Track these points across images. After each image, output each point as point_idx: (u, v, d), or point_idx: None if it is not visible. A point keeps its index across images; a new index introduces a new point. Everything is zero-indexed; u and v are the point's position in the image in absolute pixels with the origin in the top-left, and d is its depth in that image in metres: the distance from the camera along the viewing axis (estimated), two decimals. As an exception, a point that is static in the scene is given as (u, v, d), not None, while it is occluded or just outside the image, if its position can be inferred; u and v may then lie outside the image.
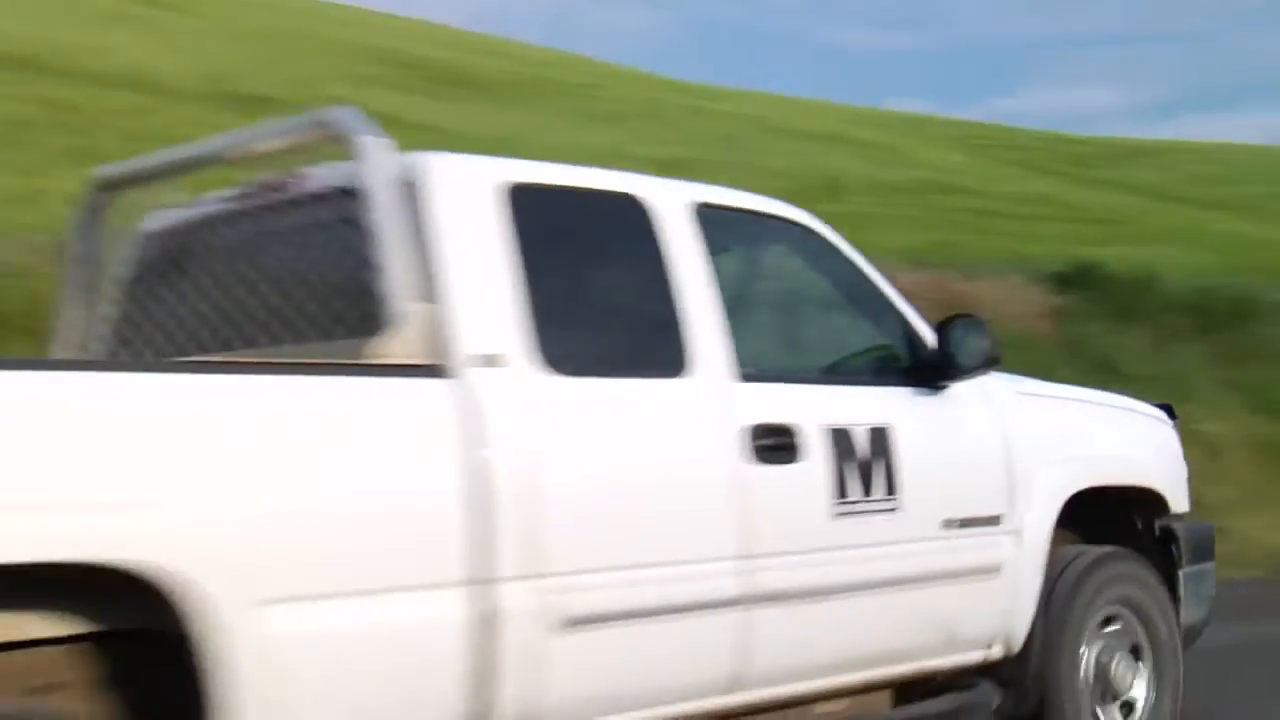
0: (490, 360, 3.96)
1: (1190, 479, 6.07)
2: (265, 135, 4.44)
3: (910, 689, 5.21)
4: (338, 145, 4.14)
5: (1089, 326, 18.23)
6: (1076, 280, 19.47)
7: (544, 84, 48.88)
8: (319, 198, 4.27)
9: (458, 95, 46.44)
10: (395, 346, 3.86)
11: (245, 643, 3.38)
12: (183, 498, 3.36)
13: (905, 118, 63.38)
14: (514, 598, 3.85)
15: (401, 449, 3.76)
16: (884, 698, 5.19)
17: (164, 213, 4.97)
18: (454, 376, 3.90)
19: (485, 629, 3.80)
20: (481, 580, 3.81)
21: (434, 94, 46.00)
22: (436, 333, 3.91)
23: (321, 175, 4.38)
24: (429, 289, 3.95)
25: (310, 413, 3.64)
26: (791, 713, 4.84)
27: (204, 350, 4.41)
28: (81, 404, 3.34)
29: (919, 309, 5.35)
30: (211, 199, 4.78)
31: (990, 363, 5.05)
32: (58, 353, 4.96)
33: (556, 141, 39.60)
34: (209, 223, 4.69)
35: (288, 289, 4.29)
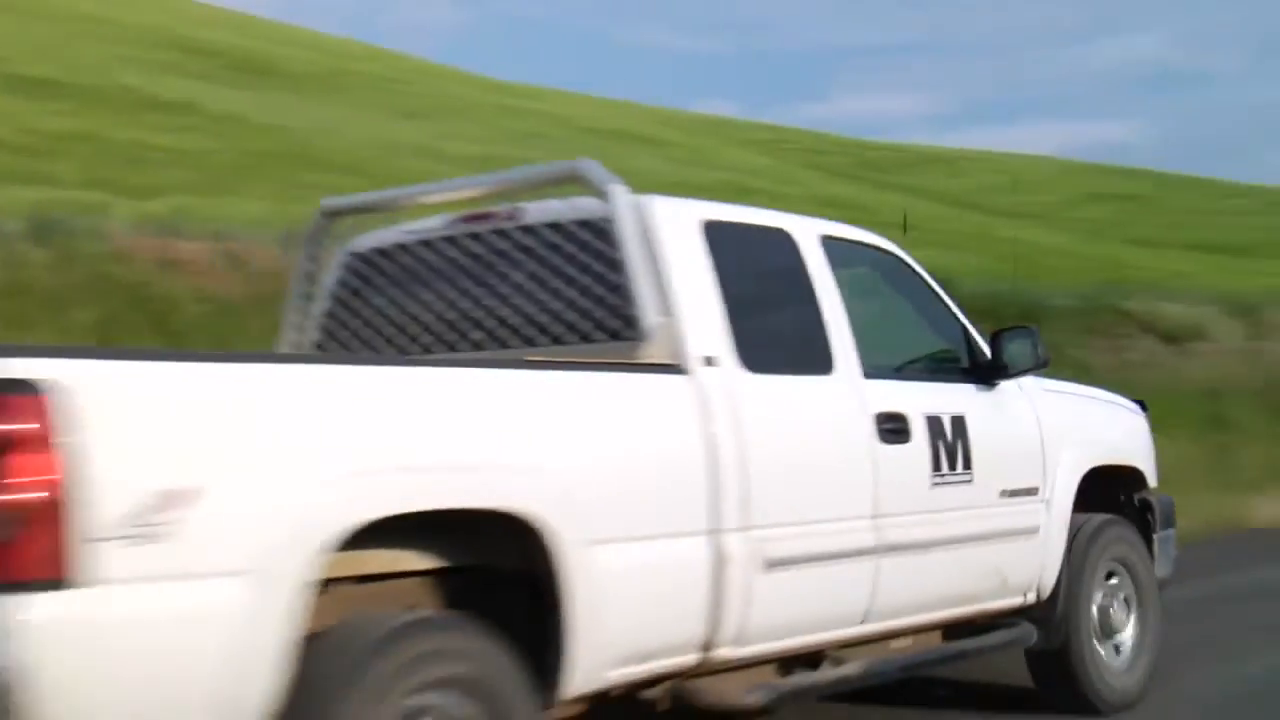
0: (710, 361, 5.29)
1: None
2: (515, 180, 5.71)
3: (955, 630, 6.65)
4: (585, 189, 5.41)
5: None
6: None
7: (350, 77, 49.55)
8: (555, 227, 5.55)
9: (259, 85, 46.86)
10: (652, 350, 5.17)
11: (582, 573, 4.65)
12: (551, 465, 4.63)
13: (712, 120, 65.32)
14: (734, 545, 5.18)
15: (666, 428, 5.08)
16: (935, 637, 6.63)
17: (371, 235, 6.18)
18: (689, 373, 5.22)
19: (718, 568, 5.13)
20: (715, 530, 5.14)
21: (234, 83, 46.35)
22: (674, 340, 5.22)
23: (546, 208, 5.66)
24: (664, 305, 5.26)
25: (616, 400, 4.95)
26: (876, 646, 6.24)
27: (451, 349, 5.66)
28: (485, 392, 4.60)
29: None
30: (431, 223, 6.01)
31: (1039, 365, 6.55)
32: (282, 349, 6.14)
33: (363, 135, 40.32)
34: (427, 244, 5.92)
35: (533, 300, 5.55)
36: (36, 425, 3.57)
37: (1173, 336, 28.49)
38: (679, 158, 48.41)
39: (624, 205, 5.27)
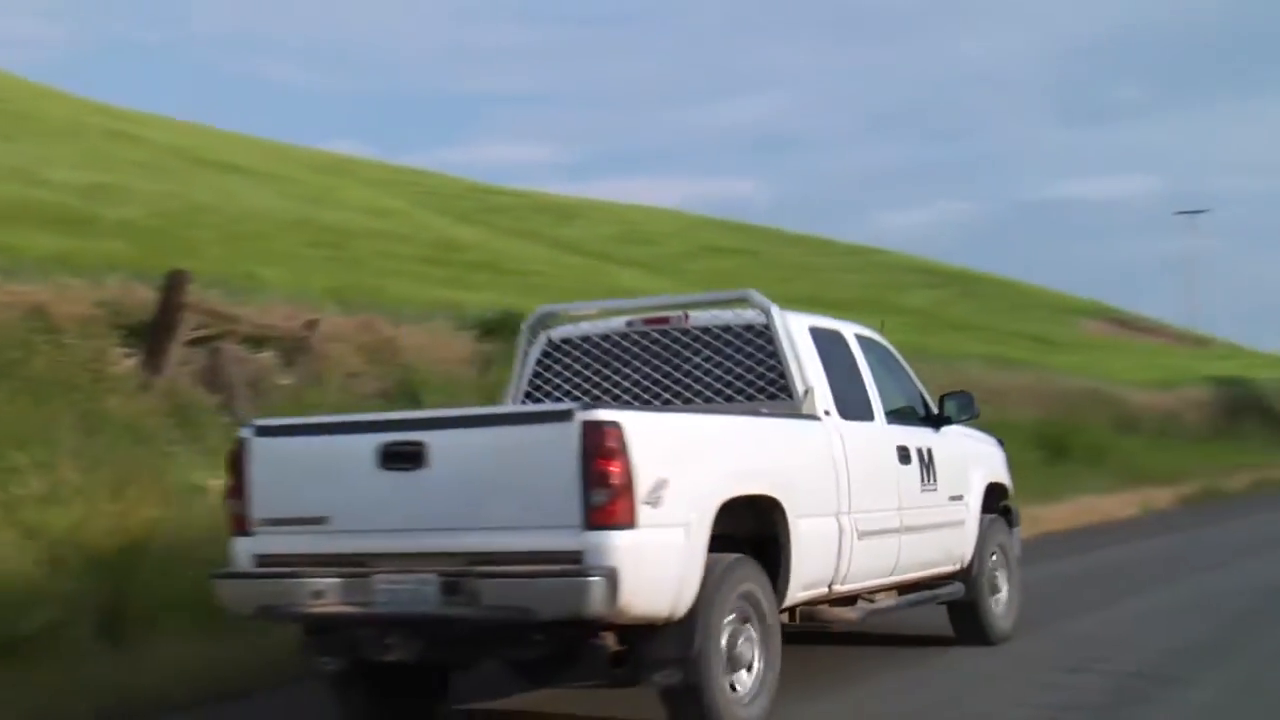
0: (828, 413, 9.62)
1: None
2: (696, 300, 9.92)
3: (907, 590, 11.06)
4: (751, 308, 9.62)
5: (509, 373, 21.64)
6: (500, 329, 21.62)
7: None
8: (728, 328, 9.74)
9: None
10: (802, 407, 9.44)
11: (797, 534, 8.88)
12: (784, 471, 8.86)
13: (339, 159, 67.41)
14: (846, 522, 9.54)
15: (817, 451, 9.39)
16: (893, 594, 11.03)
17: (566, 328, 10.24)
18: (820, 420, 9.50)
19: (840, 536, 9.43)
20: (838, 513, 9.44)
21: None
22: (812, 400, 9.49)
23: (715, 316, 9.84)
24: (804, 379, 9.52)
25: (798, 435, 9.22)
26: (866, 598, 10.59)
27: (647, 405, 9.76)
28: (759, 428, 8.81)
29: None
30: (615, 321, 10.11)
31: (972, 418, 11.09)
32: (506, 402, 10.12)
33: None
34: (620, 334, 10.01)
35: (708, 374, 9.74)
36: (619, 444, 7.59)
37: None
38: (301, 194, 49.14)
39: (778, 317, 9.50)
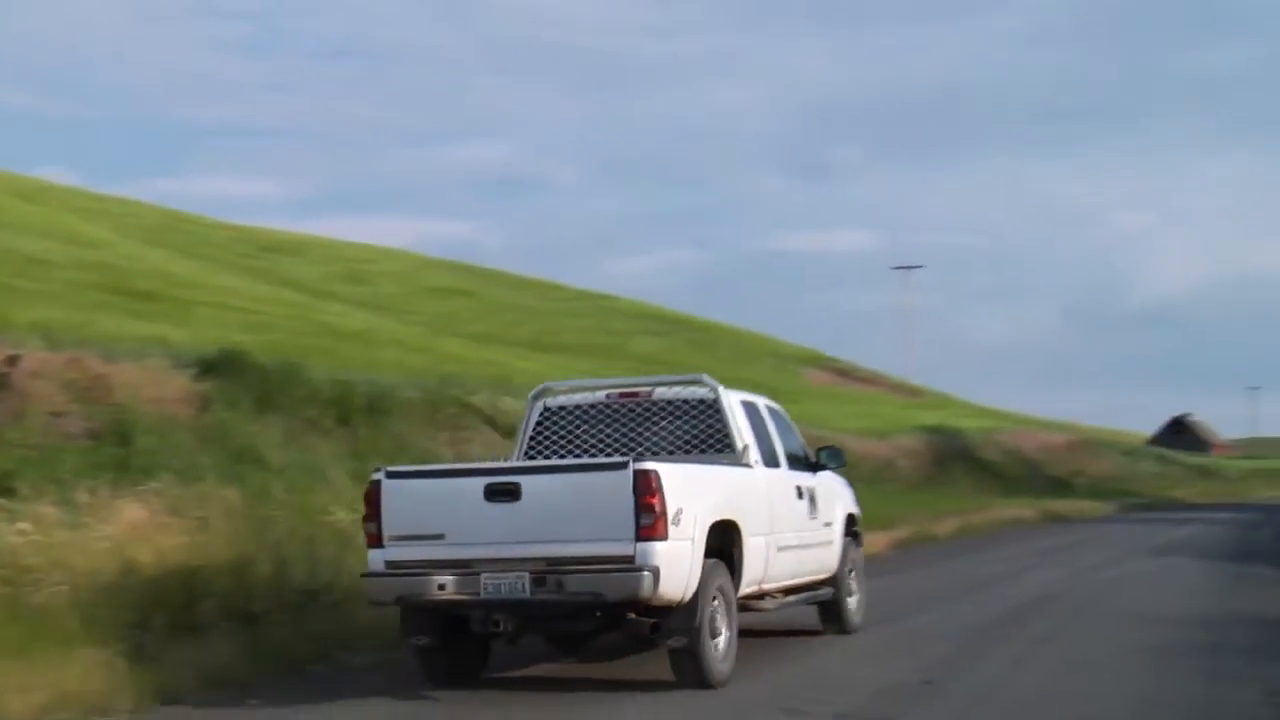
0: (756, 463, 13.86)
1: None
2: (659, 380, 14.00)
3: (792, 590, 15.15)
4: (703, 387, 13.65)
5: (230, 414, 20.55)
6: (220, 367, 21.74)
7: None
8: (685, 401, 13.85)
9: None
10: (740, 459, 13.57)
11: (746, 547, 13.19)
12: (740, 502, 13.06)
13: (46, 186, 66.62)
14: (772, 539, 14.01)
15: (753, 489, 13.72)
16: (781, 595, 15.11)
17: (560, 397, 14.14)
18: (752, 468, 13.62)
19: (768, 549, 13.66)
20: (768, 532, 13.73)
21: None
22: (746, 454, 13.58)
23: (675, 391, 13.89)
24: (741, 439, 13.58)
25: (743, 478, 13.49)
26: (773, 596, 14.63)
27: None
28: (726, 473, 12.87)
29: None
30: (597, 394, 14.03)
31: (840, 466, 15.32)
32: (513, 459, 13.96)
33: None
34: (601, 404, 14.00)
35: (670, 434, 13.78)
36: (657, 484, 11.66)
37: (512, 430, 31.77)
38: (9, 224, 46.77)
39: (724, 393, 13.57)
